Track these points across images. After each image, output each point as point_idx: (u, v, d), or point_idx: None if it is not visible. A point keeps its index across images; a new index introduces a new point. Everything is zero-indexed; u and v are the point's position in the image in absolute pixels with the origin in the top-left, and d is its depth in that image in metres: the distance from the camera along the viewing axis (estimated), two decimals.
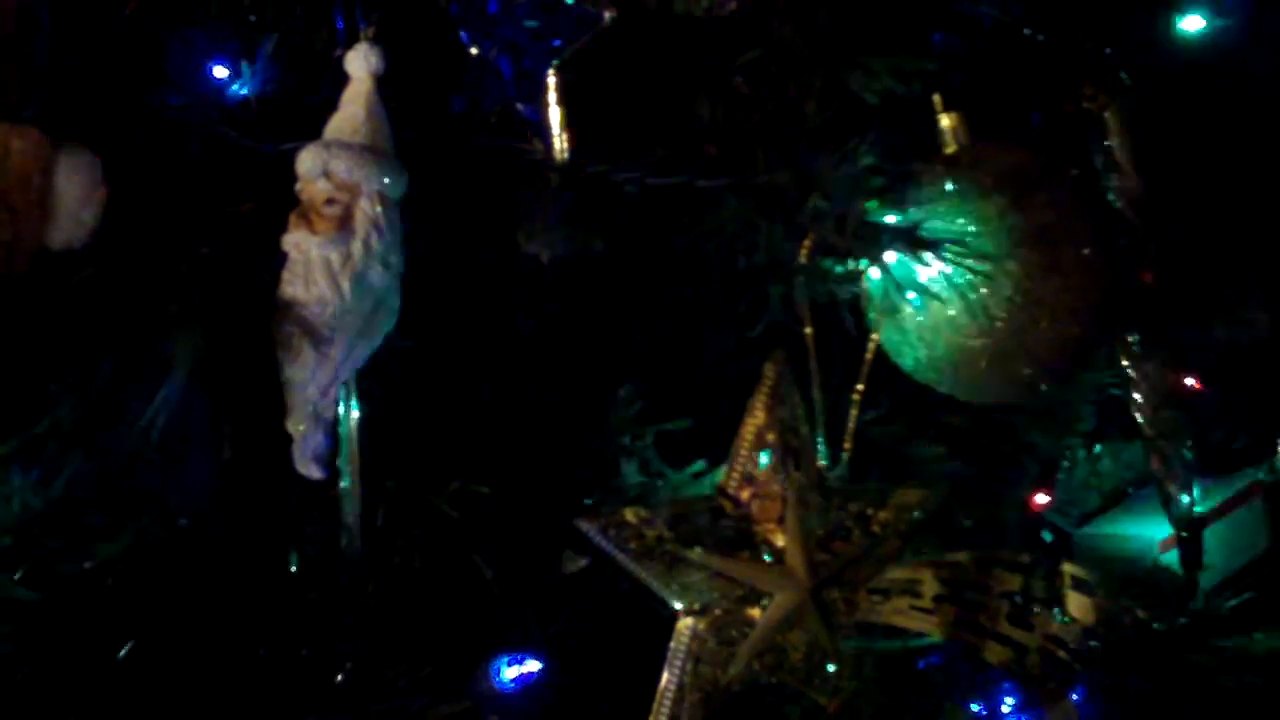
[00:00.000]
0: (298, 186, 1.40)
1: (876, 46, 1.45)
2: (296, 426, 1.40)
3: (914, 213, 1.46)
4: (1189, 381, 1.77)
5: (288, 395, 1.40)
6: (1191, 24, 1.77)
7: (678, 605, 1.44)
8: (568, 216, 1.45)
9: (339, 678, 1.44)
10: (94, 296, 1.41)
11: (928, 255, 1.44)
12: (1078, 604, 1.50)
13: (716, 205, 1.43)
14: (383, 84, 1.42)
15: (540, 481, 1.53)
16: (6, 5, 1.41)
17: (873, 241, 1.43)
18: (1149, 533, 1.79)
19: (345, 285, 1.38)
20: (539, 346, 1.57)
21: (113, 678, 1.43)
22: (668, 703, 1.43)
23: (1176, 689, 1.58)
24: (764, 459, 1.46)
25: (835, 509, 1.46)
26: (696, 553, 1.43)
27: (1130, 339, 1.66)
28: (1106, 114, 1.66)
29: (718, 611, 1.44)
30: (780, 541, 1.44)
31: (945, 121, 1.54)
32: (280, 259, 1.39)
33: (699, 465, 1.55)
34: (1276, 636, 1.62)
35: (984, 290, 1.46)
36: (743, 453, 1.46)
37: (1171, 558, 1.75)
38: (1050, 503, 1.82)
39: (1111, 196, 1.65)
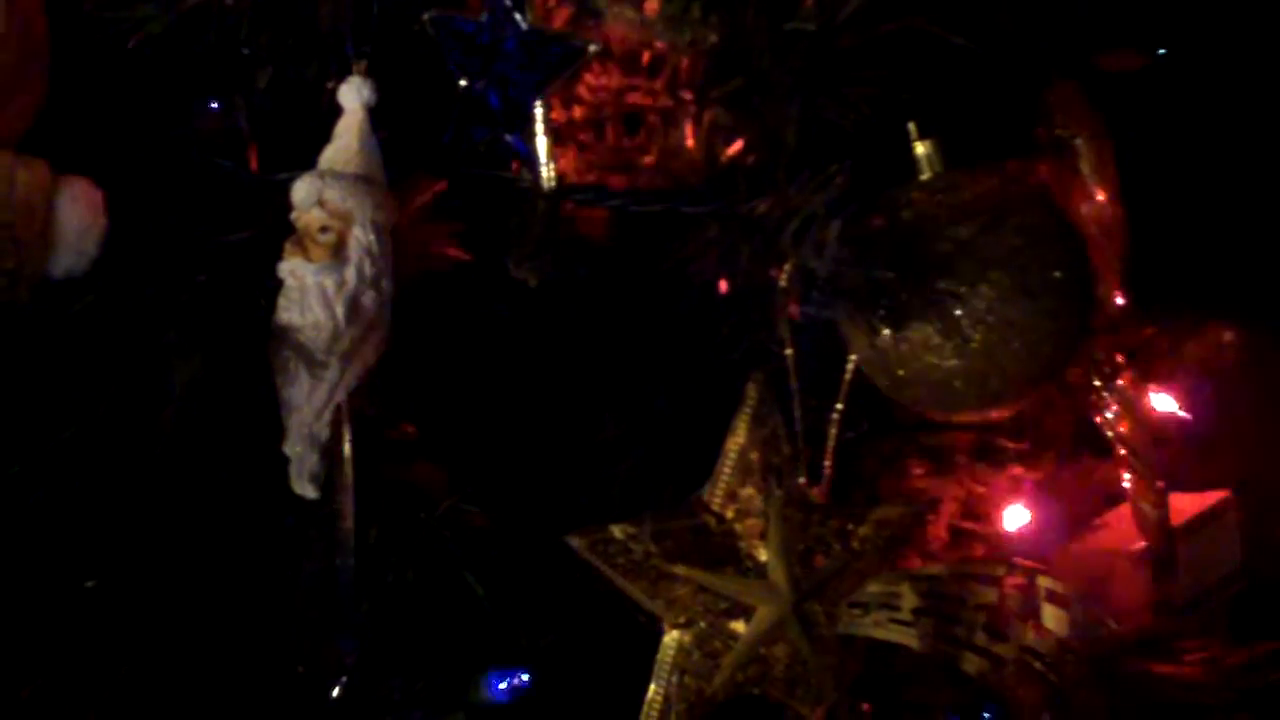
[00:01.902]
0: (293, 215, 1.42)
1: (853, 76, 1.47)
2: (293, 448, 1.42)
3: (891, 237, 1.49)
4: (1161, 400, 1.78)
5: (284, 418, 1.42)
6: (1160, 53, 1.78)
7: (664, 619, 1.47)
8: (554, 242, 1.47)
9: (335, 691, 1.46)
10: (95, 324, 1.43)
11: (903, 278, 1.46)
12: (1053, 616, 1.53)
13: (699, 230, 1.45)
14: (374, 115, 1.45)
15: (529, 500, 1.55)
16: (10, 37, 1.44)
17: (850, 265, 1.45)
18: (1123, 550, 1.80)
19: (339, 310, 1.40)
20: (527, 368, 1.59)
21: (115, 692, 1.45)
22: (654, 714, 1.46)
23: (1151, 701, 1.60)
24: (747, 476, 1.49)
25: (816, 525, 1.49)
26: (681, 568, 1.46)
27: (1102, 358, 1.69)
28: (1078, 140, 1.68)
29: (702, 625, 1.47)
30: (763, 556, 1.47)
31: (920, 148, 1.56)
32: (276, 286, 1.41)
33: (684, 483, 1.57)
34: (1249, 649, 1.64)
35: (958, 312, 1.48)
36: (726, 470, 1.50)
37: (1145, 574, 1.77)
38: (1027, 520, 1.83)
39: (1083, 220, 1.67)
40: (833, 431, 1.53)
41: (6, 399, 1.41)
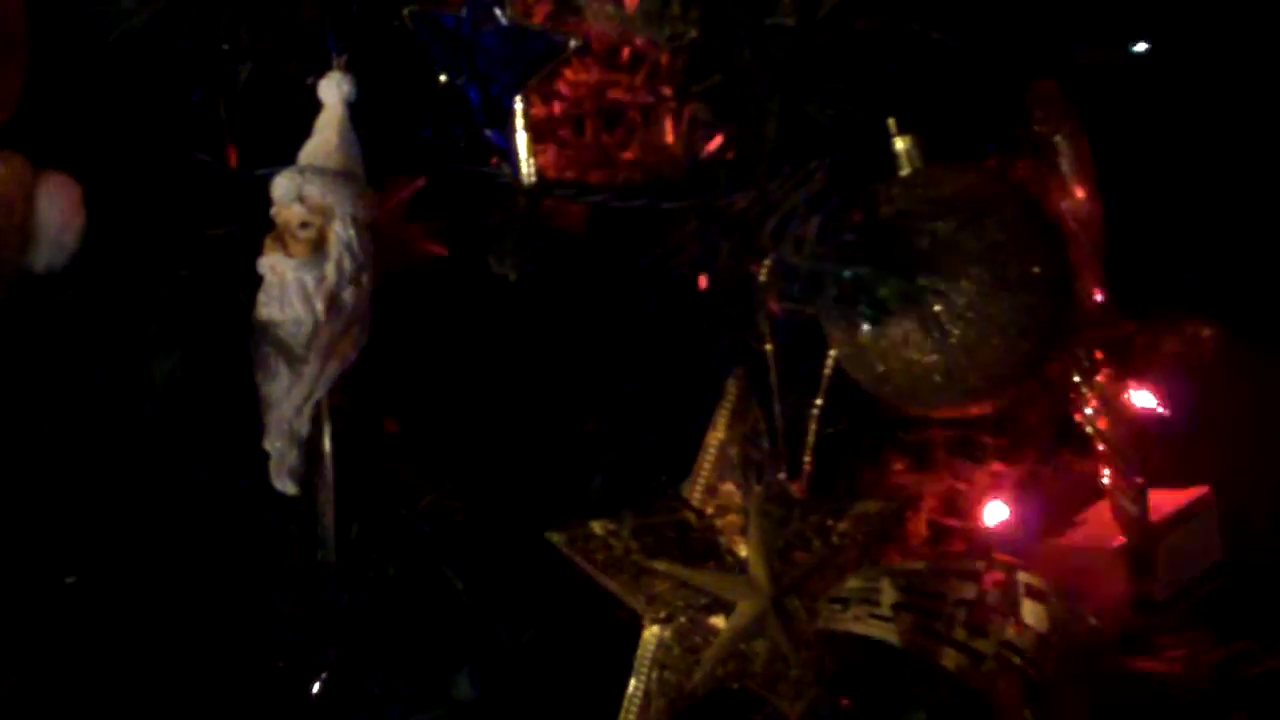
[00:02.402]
0: (273, 210, 1.42)
1: (833, 72, 1.47)
2: (272, 444, 1.43)
3: (870, 232, 1.49)
4: (1140, 396, 1.79)
5: (264, 413, 1.42)
6: (1139, 47, 1.79)
7: (644, 614, 1.47)
8: (534, 238, 1.48)
9: (315, 688, 1.47)
10: (75, 318, 1.43)
11: (883, 273, 1.47)
12: (1033, 612, 1.53)
13: (679, 226, 1.45)
14: (355, 111, 1.44)
15: (509, 496, 1.56)
16: None
17: (830, 260, 1.46)
18: (1103, 545, 1.81)
19: (319, 306, 1.40)
20: (507, 364, 1.59)
21: (93, 689, 1.45)
22: (634, 709, 1.46)
23: (1131, 697, 1.61)
24: (727, 472, 1.50)
25: (796, 520, 1.49)
26: (662, 563, 1.46)
27: (1081, 354, 1.69)
28: (1056, 136, 1.69)
29: (682, 620, 1.47)
30: (743, 552, 1.48)
31: (900, 144, 1.56)
32: (256, 281, 1.41)
33: (663, 479, 1.57)
34: (1228, 645, 1.65)
35: (938, 308, 1.49)
36: (706, 466, 1.50)
37: (1125, 569, 1.77)
38: (1006, 516, 1.84)
39: (1062, 216, 1.68)
40: (813, 427, 1.54)
41: None
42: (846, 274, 1.46)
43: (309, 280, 1.40)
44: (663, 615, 1.47)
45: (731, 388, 1.50)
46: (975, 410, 1.62)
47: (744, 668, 1.48)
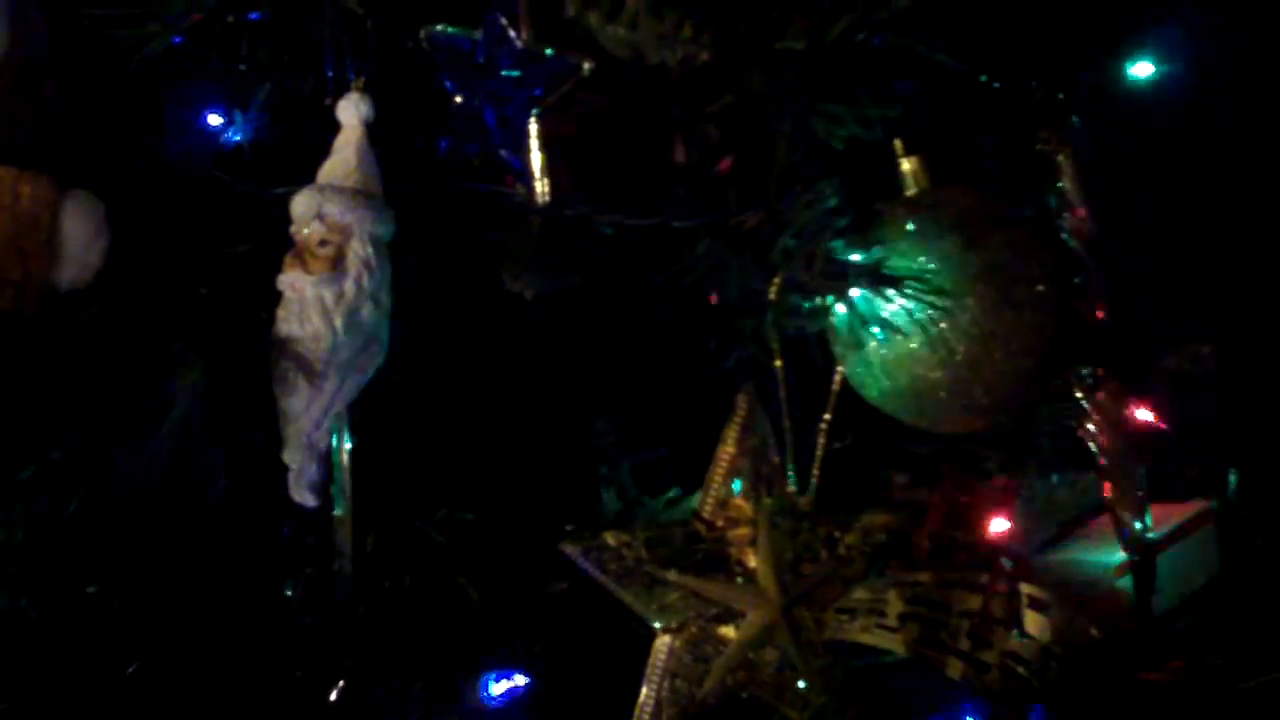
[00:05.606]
0: (292, 228, 1.44)
1: (841, 94, 1.49)
2: (292, 457, 1.44)
3: (877, 251, 1.51)
4: (1140, 412, 1.80)
5: (283, 427, 1.44)
6: (1141, 70, 1.80)
7: (655, 624, 1.49)
8: (549, 255, 1.49)
9: (333, 696, 1.49)
10: (100, 334, 1.45)
11: (890, 292, 1.49)
12: (1035, 623, 1.55)
13: (690, 244, 1.46)
14: (372, 131, 1.47)
15: (522, 508, 1.58)
16: (13, 57, 1.46)
17: (838, 279, 1.47)
18: (1104, 559, 1.81)
19: (338, 322, 1.42)
20: (521, 380, 1.61)
21: (115, 698, 1.47)
22: (646, 717, 1.48)
23: (1129, 706, 1.62)
24: (737, 485, 1.51)
25: (805, 532, 1.51)
26: (673, 574, 1.48)
27: (1083, 371, 1.71)
28: (1060, 157, 1.70)
29: (693, 630, 1.49)
30: (752, 563, 1.50)
31: (906, 165, 1.58)
32: (276, 298, 1.43)
33: (674, 492, 1.59)
34: (1225, 657, 1.66)
35: (943, 325, 1.50)
36: (717, 479, 1.52)
37: (1126, 582, 1.78)
38: (1009, 529, 1.85)
39: (1065, 235, 1.69)
40: (821, 441, 1.55)
41: (13, 408, 1.43)
42: (854, 292, 1.48)
43: (328, 297, 1.42)
44: (674, 625, 1.49)
45: (741, 403, 1.53)
46: (980, 426, 1.63)
47: (753, 676, 1.50)
